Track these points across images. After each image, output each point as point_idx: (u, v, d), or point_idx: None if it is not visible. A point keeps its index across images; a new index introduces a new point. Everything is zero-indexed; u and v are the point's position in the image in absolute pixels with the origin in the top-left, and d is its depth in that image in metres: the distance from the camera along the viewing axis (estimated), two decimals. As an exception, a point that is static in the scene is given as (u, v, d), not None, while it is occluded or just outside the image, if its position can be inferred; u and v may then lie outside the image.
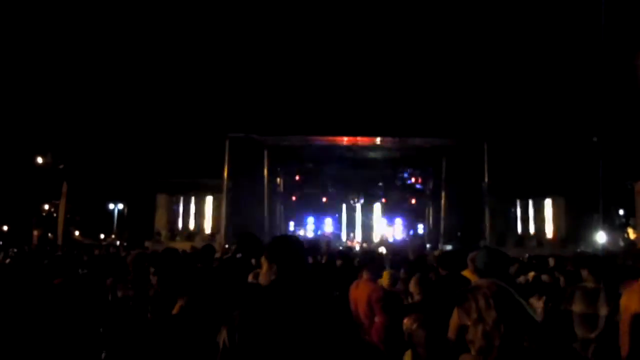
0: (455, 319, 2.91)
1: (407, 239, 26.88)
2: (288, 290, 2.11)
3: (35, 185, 30.80)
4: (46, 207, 36.54)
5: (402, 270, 6.95)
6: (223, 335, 2.01)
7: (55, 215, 34.13)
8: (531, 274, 5.65)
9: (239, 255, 5.01)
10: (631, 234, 30.27)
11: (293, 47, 23.25)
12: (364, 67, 23.17)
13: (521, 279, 5.77)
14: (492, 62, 23.39)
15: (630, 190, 24.62)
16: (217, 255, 7.12)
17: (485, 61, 23.45)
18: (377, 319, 4.41)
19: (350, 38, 23.41)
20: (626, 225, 32.14)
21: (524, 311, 1.90)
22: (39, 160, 28.50)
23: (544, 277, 5.65)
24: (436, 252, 12.02)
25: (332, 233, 27.00)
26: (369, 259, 5.46)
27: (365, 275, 4.66)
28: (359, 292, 4.54)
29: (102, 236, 35.78)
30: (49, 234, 32.53)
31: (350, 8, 23.71)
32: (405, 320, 3.90)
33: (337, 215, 27.68)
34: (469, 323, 1.93)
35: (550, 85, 23.38)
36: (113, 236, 34.26)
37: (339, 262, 6.49)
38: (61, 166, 28.74)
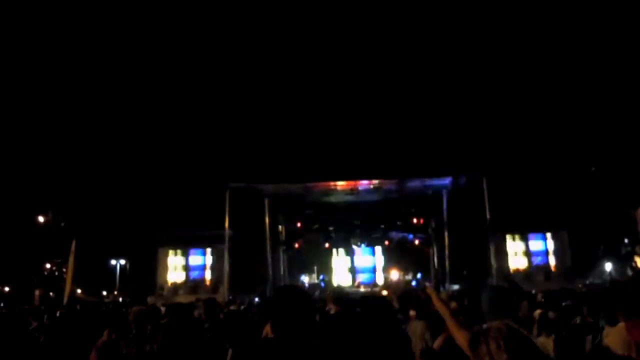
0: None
1: (414, 281, 26.55)
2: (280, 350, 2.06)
3: (37, 245, 30.65)
4: (47, 266, 36.19)
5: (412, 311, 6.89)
6: None
7: (56, 274, 33.82)
8: (538, 312, 5.58)
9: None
10: (639, 262, 29.86)
11: (288, 96, 23.73)
12: (361, 112, 23.59)
13: (528, 314, 5.69)
14: (487, 99, 23.80)
15: (633, 217, 24.51)
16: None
17: (480, 99, 23.86)
18: None
19: (345, 85, 23.93)
20: (632, 253, 31.75)
21: (535, 352, 1.90)
22: (40, 219, 28.50)
23: (551, 314, 5.59)
24: (443, 294, 11.82)
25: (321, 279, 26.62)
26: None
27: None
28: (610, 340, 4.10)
29: (104, 293, 35.31)
30: (51, 293, 32.08)
31: (343, 52, 24.35)
32: None
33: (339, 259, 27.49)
34: None
35: (545, 119, 23.70)
36: (116, 292, 33.83)
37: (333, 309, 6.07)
38: (62, 224, 28.71)
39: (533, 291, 11.64)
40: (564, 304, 6.94)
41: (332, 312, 5.14)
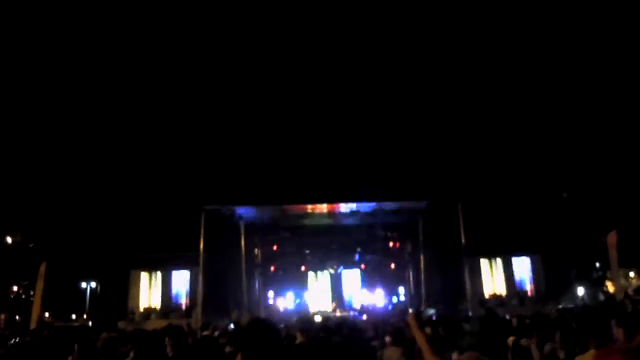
0: None
1: (390, 305, 26.50)
2: None
3: (3, 266, 29.69)
4: (14, 288, 35.05)
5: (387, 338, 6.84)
6: None
7: (24, 297, 32.80)
8: (511, 339, 5.58)
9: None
10: (610, 287, 30.35)
11: (263, 117, 23.76)
12: (336, 134, 23.71)
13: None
14: (461, 124, 24.21)
15: (604, 242, 24.95)
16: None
17: (455, 123, 24.26)
18: None
19: (322, 109, 24.08)
20: (604, 278, 32.26)
21: None
22: (8, 239, 27.71)
23: (524, 341, 5.59)
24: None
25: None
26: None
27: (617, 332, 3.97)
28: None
29: (73, 316, 34.29)
30: (17, 317, 31.00)
31: (318, 71, 24.53)
32: None
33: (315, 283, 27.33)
34: None
35: (518, 146, 24.19)
36: (85, 316, 32.90)
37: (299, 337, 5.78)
38: (31, 245, 27.96)
39: (507, 316, 11.71)
40: (536, 330, 6.98)
41: (298, 341, 4.93)
